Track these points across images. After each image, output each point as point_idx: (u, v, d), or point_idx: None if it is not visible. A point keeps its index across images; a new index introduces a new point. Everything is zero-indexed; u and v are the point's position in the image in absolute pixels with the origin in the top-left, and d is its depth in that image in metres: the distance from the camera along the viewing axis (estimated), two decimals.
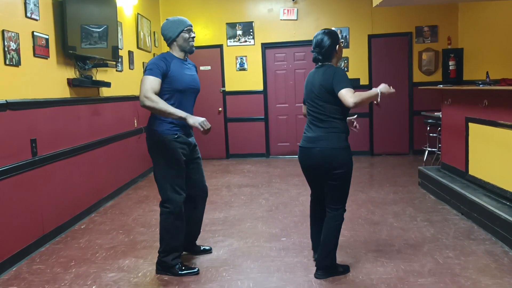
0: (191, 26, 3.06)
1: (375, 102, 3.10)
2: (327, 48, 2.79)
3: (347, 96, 2.61)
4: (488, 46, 6.36)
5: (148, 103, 2.81)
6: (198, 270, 3.07)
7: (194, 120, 2.82)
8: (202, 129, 2.82)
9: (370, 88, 8.28)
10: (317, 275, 2.93)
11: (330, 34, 2.81)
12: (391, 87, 2.81)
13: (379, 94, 2.73)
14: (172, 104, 2.90)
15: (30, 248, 3.52)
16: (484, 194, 3.97)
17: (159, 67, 2.89)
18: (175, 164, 2.96)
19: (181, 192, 3.00)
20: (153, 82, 2.85)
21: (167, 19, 3.07)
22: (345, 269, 2.97)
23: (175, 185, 2.97)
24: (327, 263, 2.90)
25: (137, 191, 5.67)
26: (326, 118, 2.77)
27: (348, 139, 2.82)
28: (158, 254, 3.09)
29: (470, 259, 3.12)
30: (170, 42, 3.03)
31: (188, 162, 3.08)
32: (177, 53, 3.05)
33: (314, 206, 3.13)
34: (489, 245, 3.37)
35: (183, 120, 2.84)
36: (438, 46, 7.49)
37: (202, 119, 2.84)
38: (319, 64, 2.87)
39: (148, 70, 2.89)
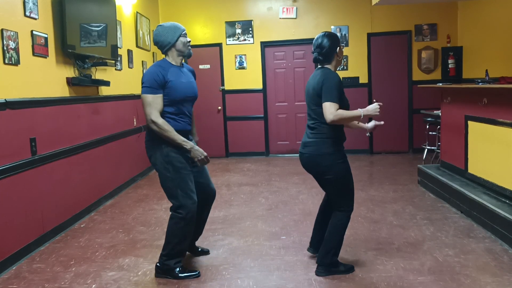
0: (185, 31, 3.00)
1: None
2: (327, 49, 2.81)
3: (327, 112, 2.67)
4: (488, 44, 6.36)
5: (154, 128, 2.79)
6: (199, 272, 3.02)
7: (195, 154, 2.88)
8: (197, 162, 2.90)
9: (370, 87, 8.24)
10: (317, 272, 2.94)
11: (331, 36, 2.85)
12: (378, 108, 2.77)
13: (362, 116, 2.75)
14: (173, 112, 2.89)
15: (30, 247, 3.52)
16: (483, 192, 3.97)
17: (157, 81, 2.80)
18: (182, 168, 2.90)
19: (193, 196, 2.92)
20: (155, 102, 2.78)
21: (160, 26, 2.94)
22: (348, 269, 2.96)
23: (186, 189, 2.89)
24: (327, 261, 2.91)
25: (137, 189, 5.67)
26: (316, 122, 2.83)
27: (338, 144, 2.83)
28: (160, 257, 3.01)
29: (469, 257, 3.12)
30: (168, 48, 2.91)
31: (192, 166, 3.02)
32: (174, 59, 2.94)
33: (322, 204, 3.16)
34: (489, 243, 3.38)
35: (187, 151, 2.87)
36: (438, 44, 7.49)
37: (204, 154, 2.89)
38: (319, 66, 2.91)
39: (146, 87, 2.79)
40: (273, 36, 7.78)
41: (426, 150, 6.66)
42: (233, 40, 7.86)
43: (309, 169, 2.93)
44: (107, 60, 5.00)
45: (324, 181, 2.89)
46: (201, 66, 7.88)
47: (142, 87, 2.83)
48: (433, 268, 2.98)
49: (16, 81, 3.50)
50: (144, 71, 2.92)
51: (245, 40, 7.84)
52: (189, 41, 2.98)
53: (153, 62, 7.26)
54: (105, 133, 5.18)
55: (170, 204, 2.83)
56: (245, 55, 7.86)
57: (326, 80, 2.73)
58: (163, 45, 2.92)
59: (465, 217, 4.01)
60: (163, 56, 3.00)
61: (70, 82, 4.35)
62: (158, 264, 3.03)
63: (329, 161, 2.78)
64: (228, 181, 6.02)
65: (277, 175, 6.26)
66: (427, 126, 6.53)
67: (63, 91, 4.30)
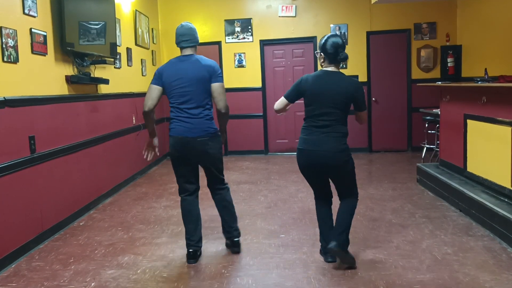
0: None
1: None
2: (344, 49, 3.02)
3: (363, 118, 3.10)
4: (487, 43, 6.36)
5: (228, 112, 3.24)
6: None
7: (225, 138, 3.41)
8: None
9: (369, 85, 8.20)
10: (332, 245, 2.92)
11: (341, 37, 3.08)
12: None
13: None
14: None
15: (29, 245, 3.52)
16: (482, 191, 3.98)
17: None
18: None
19: None
20: None
21: (191, 24, 3.26)
22: (353, 259, 3.03)
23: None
24: (343, 237, 2.96)
25: (136, 188, 5.67)
26: (333, 123, 2.94)
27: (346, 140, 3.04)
28: (237, 231, 3.38)
29: (468, 256, 3.13)
30: (195, 44, 3.23)
31: None
32: None
33: (319, 204, 3.17)
34: (487, 241, 3.38)
35: (224, 136, 3.37)
36: (437, 43, 7.49)
37: None
38: (333, 68, 2.99)
39: (222, 77, 3.26)
40: (272, 34, 7.77)
41: (425, 148, 6.66)
42: (232, 38, 7.85)
43: (323, 165, 2.96)
44: (106, 58, 5.00)
45: (338, 174, 3.02)
46: None
47: (220, 76, 3.25)
48: (431, 266, 2.99)
49: (15, 79, 3.49)
50: (211, 63, 3.23)
51: (244, 38, 7.83)
52: None
53: (152, 60, 7.24)
54: (104, 131, 5.17)
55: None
56: (244, 53, 7.85)
57: (360, 91, 2.98)
58: (195, 41, 3.23)
59: (463, 215, 4.01)
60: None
61: (69, 80, 4.34)
62: (237, 239, 3.36)
63: (347, 156, 2.98)
64: (227, 179, 5.96)
65: (276, 173, 6.26)
66: (426, 125, 6.54)
67: (62, 89, 4.29)
